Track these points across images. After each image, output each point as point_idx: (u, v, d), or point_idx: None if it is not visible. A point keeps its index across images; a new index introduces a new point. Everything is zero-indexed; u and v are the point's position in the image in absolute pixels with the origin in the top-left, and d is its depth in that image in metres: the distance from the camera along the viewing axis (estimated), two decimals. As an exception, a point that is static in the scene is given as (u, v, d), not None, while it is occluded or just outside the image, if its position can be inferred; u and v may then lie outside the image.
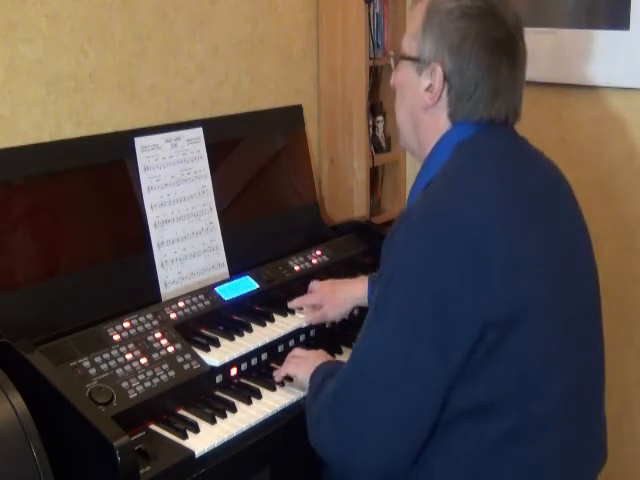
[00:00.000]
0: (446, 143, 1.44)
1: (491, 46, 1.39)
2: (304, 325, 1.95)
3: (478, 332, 1.27)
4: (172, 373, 1.65)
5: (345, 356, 1.89)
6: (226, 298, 1.92)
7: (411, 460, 1.35)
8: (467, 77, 1.39)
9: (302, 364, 1.69)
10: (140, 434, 1.54)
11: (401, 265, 1.32)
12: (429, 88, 1.44)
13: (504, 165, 1.41)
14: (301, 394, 1.70)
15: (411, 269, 1.31)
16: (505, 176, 1.39)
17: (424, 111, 1.47)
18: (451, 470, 1.35)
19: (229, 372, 1.76)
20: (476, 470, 1.33)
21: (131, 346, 1.67)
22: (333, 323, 2.01)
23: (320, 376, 1.54)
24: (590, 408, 1.46)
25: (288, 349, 1.89)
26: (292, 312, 1.97)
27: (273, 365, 1.83)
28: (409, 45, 1.47)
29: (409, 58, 1.47)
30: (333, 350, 1.90)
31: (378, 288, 1.38)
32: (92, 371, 1.57)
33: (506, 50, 1.41)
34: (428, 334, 1.28)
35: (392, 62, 1.55)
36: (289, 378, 1.75)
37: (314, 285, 2.03)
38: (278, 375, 1.74)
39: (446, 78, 1.41)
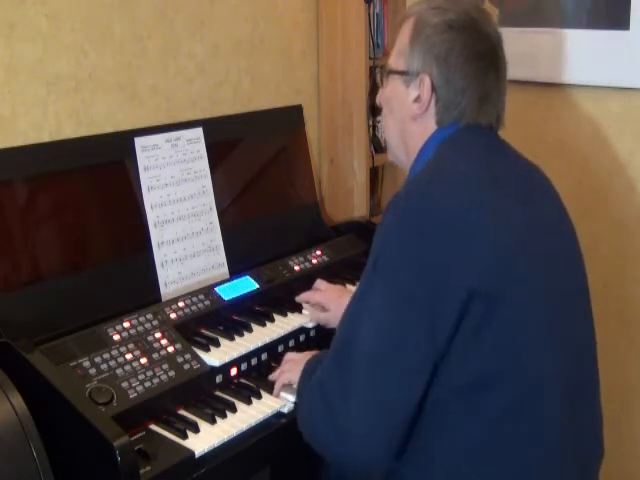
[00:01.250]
0: (431, 142, 1.51)
1: (476, 56, 1.47)
2: (310, 325, 1.94)
3: (463, 301, 1.29)
4: (172, 373, 1.65)
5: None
6: (226, 298, 1.92)
7: (401, 444, 1.36)
8: (454, 86, 1.47)
9: (295, 369, 1.68)
10: (140, 434, 1.54)
11: (388, 243, 1.36)
12: (417, 99, 1.51)
13: (487, 155, 1.48)
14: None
15: (397, 244, 1.35)
16: (487, 163, 1.46)
17: (412, 121, 1.53)
18: (452, 452, 1.35)
19: (229, 372, 1.76)
20: (477, 450, 1.34)
21: (131, 346, 1.67)
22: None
23: (308, 370, 1.55)
24: (583, 391, 1.48)
25: (288, 349, 1.90)
26: (292, 312, 1.97)
27: (273, 365, 1.83)
28: (396, 61, 1.54)
29: (398, 72, 1.54)
30: (333, 350, 1.90)
31: (366, 267, 1.40)
32: (92, 371, 1.57)
33: (490, 60, 1.49)
34: (416, 308, 1.31)
35: (379, 80, 1.62)
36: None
37: (320, 284, 2.04)
38: (277, 389, 1.72)
39: (434, 88, 1.48)
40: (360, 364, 1.34)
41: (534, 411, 1.35)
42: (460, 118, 1.48)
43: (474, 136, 1.49)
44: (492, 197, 1.38)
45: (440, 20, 1.47)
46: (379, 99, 1.63)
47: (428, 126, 1.51)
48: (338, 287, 2.06)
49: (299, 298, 2.00)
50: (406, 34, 1.51)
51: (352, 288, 2.10)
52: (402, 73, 1.52)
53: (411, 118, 1.52)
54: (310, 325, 1.95)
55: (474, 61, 1.46)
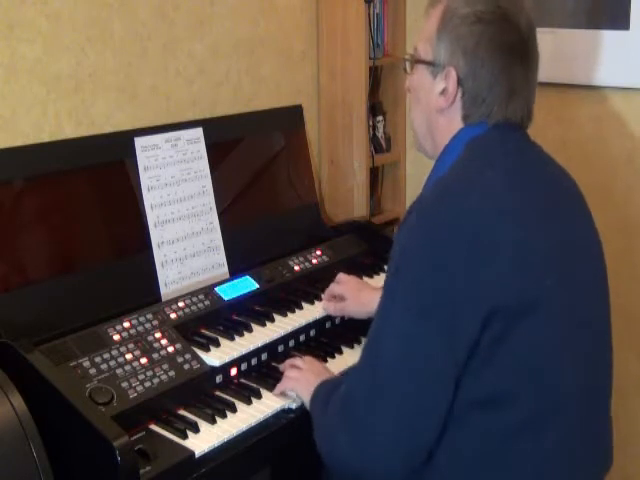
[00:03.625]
0: (458, 141, 1.46)
1: (505, 49, 1.41)
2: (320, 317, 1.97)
3: (483, 319, 1.27)
4: (172, 373, 1.64)
5: (345, 356, 1.90)
6: (226, 298, 1.92)
7: (426, 455, 1.34)
8: (480, 80, 1.42)
9: (301, 379, 1.68)
10: (140, 434, 1.54)
11: (410, 250, 1.34)
12: (443, 91, 1.46)
13: (514, 160, 1.43)
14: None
15: (419, 253, 1.32)
16: (514, 170, 1.41)
17: (439, 114, 1.49)
18: (458, 464, 1.35)
19: (229, 372, 1.76)
20: (482, 465, 1.33)
21: (131, 346, 1.67)
22: (333, 323, 2.01)
23: (322, 396, 1.53)
24: (597, 408, 1.47)
25: (288, 349, 1.90)
26: (292, 312, 1.97)
27: (273, 365, 1.83)
28: (424, 49, 1.49)
29: (424, 62, 1.49)
30: (333, 350, 1.90)
31: (387, 274, 1.38)
32: (92, 371, 1.57)
33: (519, 53, 1.44)
34: (435, 318, 1.29)
35: (407, 66, 1.57)
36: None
37: (342, 277, 2.04)
38: (278, 390, 1.72)
39: (460, 82, 1.44)
40: (386, 380, 1.32)
41: (548, 429, 1.34)
42: (488, 115, 1.43)
43: (502, 138, 1.44)
44: (519, 211, 1.35)
45: (469, 11, 1.41)
46: (408, 86, 1.58)
47: (454, 120, 1.47)
48: (357, 280, 2.07)
49: (323, 297, 2.02)
50: (434, 22, 1.46)
51: (369, 280, 2.15)
52: (429, 63, 1.47)
53: (437, 110, 1.48)
54: (315, 319, 1.96)
55: (503, 54, 1.41)
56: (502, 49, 1.41)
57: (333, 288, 2.02)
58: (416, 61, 1.52)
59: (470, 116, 1.45)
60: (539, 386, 1.33)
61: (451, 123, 1.47)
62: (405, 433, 1.32)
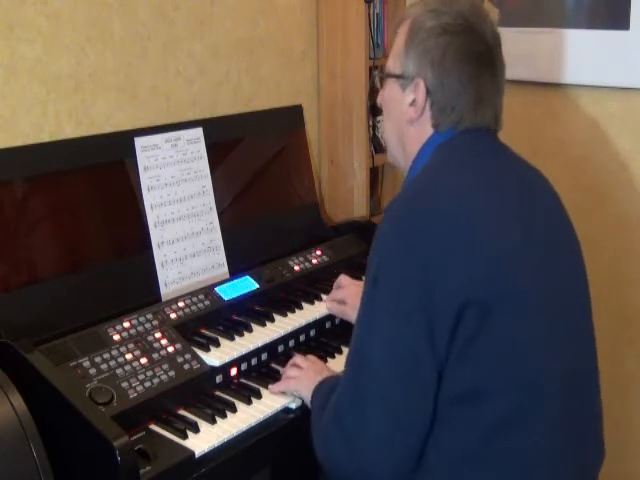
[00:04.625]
0: (428, 146, 1.50)
1: (471, 59, 1.45)
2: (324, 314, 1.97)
3: (457, 311, 1.29)
4: (172, 373, 1.65)
5: (345, 356, 1.89)
6: (226, 298, 1.92)
7: (417, 456, 1.35)
8: (448, 90, 1.46)
9: (303, 379, 1.68)
10: (140, 434, 1.54)
11: (385, 257, 1.37)
12: (413, 103, 1.50)
13: (483, 162, 1.47)
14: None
15: (394, 258, 1.35)
16: (485, 169, 1.45)
17: (409, 124, 1.53)
18: (448, 462, 1.35)
19: (229, 372, 1.76)
20: (471, 461, 1.34)
21: (131, 346, 1.67)
22: (333, 323, 2.01)
23: (322, 395, 1.54)
24: (584, 397, 1.47)
25: (288, 349, 1.90)
26: (292, 312, 1.97)
27: (273, 365, 1.83)
28: (393, 64, 1.54)
29: (393, 75, 1.54)
30: (333, 350, 1.91)
31: (365, 284, 1.40)
32: (92, 371, 1.57)
33: (486, 61, 1.47)
34: (415, 319, 1.31)
35: (378, 81, 1.60)
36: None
37: (343, 280, 2.04)
38: (277, 388, 1.72)
39: (429, 92, 1.48)
40: (372, 384, 1.34)
41: (530, 421, 1.34)
42: (457, 122, 1.47)
43: (472, 140, 1.48)
44: (489, 206, 1.38)
45: (435, 23, 1.46)
46: (380, 100, 1.63)
47: (425, 130, 1.51)
48: (359, 284, 2.06)
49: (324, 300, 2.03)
50: (402, 37, 1.51)
51: None
52: (398, 77, 1.52)
53: (408, 121, 1.52)
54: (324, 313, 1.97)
55: (469, 63, 1.45)
56: (469, 58, 1.45)
57: (335, 294, 2.01)
58: (386, 75, 1.56)
59: (440, 124, 1.49)
60: (516, 380, 1.34)
61: (421, 133, 1.51)
62: (396, 435, 1.33)
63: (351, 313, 1.95)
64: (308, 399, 1.62)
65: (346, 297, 1.98)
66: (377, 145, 2.63)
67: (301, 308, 1.99)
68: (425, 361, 1.31)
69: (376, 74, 1.60)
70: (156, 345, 1.70)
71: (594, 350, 1.53)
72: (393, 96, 1.54)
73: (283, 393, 1.71)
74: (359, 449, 1.35)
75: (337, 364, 1.84)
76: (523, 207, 1.44)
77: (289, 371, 1.74)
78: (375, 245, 1.40)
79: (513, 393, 1.33)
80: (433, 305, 1.30)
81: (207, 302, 1.89)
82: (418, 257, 1.32)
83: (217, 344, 1.78)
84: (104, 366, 1.59)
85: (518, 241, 1.38)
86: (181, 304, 1.84)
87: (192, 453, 1.51)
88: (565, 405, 1.39)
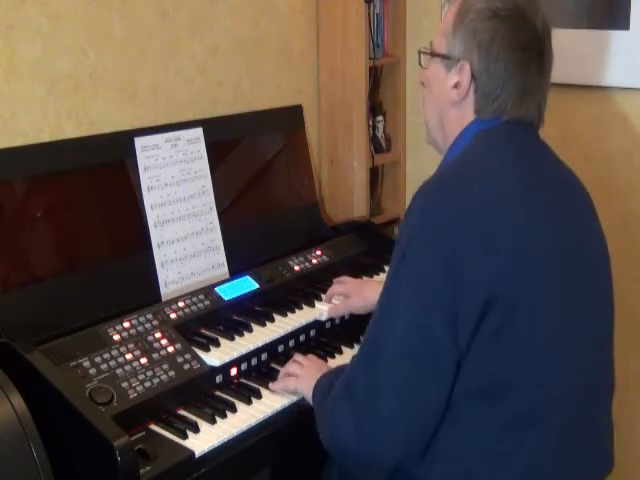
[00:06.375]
0: (468, 132, 1.47)
1: (519, 47, 1.42)
2: (324, 318, 1.97)
3: (482, 305, 1.28)
4: (172, 373, 1.65)
5: (345, 356, 1.90)
6: (226, 298, 1.92)
7: (425, 441, 1.35)
8: (493, 77, 1.43)
9: (303, 377, 1.68)
10: (140, 434, 1.54)
11: (415, 235, 1.35)
12: (456, 85, 1.47)
13: (522, 156, 1.44)
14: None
15: (424, 238, 1.33)
16: (521, 162, 1.42)
17: (451, 106, 1.50)
18: (462, 454, 1.35)
19: (229, 372, 1.76)
20: (486, 454, 1.33)
21: (131, 346, 1.67)
22: (333, 323, 2.01)
23: (324, 384, 1.54)
24: (596, 409, 1.47)
25: (288, 349, 1.90)
26: (292, 312, 1.97)
27: (273, 365, 1.83)
28: (439, 43, 1.50)
29: (439, 55, 1.50)
30: (333, 350, 1.91)
31: (393, 259, 1.38)
32: (92, 371, 1.57)
33: (534, 52, 1.44)
34: (439, 302, 1.30)
35: (422, 59, 1.58)
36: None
37: (343, 277, 2.07)
38: (277, 386, 1.72)
39: (473, 76, 1.44)
40: (389, 362, 1.33)
41: (544, 421, 1.34)
42: (501, 112, 1.44)
43: (514, 133, 1.45)
44: (523, 204, 1.36)
45: (485, 6, 1.42)
46: (421, 78, 1.59)
47: (466, 114, 1.48)
48: (360, 280, 2.11)
49: (324, 298, 2.03)
50: (450, 17, 1.47)
51: (369, 279, 2.18)
52: (443, 56, 1.48)
53: (450, 103, 1.49)
54: (324, 317, 1.97)
55: (517, 52, 1.41)
56: (517, 46, 1.41)
57: (336, 288, 2.03)
58: (431, 54, 1.53)
59: (482, 110, 1.46)
60: (536, 380, 1.33)
61: (463, 117, 1.48)
62: (406, 415, 1.32)
63: (357, 304, 1.97)
64: (309, 395, 1.61)
65: (348, 290, 1.99)
66: (377, 145, 2.63)
67: (301, 308, 1.99)
68: (442, 345, 1.30)
69: (422, 51, 1.56)
70: (156, 345, 1.70)
71: (612, 358, 1.53)
72: (437, 76, 1.51)
73: (283, 392, 1.71)
74: (368, 425, 1.34)
75: (337, 364, 1.83)
76: (557, 209, 1.42)
77: (289, 366, 1.73)
78: (406, 221, 1.39)
79: (532, 392, 1.33)
80: (458, 292, 1.29)
81: (207, 302, 1.88)
82: (448, 241, 1.30)
83: (217, 344, 1.78)
84: (104, 366, 1.59)
85: (548, 242, 1.36)
86: (181, 304, 1.84)
87: (192, 453, 1.51)
88: (580, 411, 1.39)
